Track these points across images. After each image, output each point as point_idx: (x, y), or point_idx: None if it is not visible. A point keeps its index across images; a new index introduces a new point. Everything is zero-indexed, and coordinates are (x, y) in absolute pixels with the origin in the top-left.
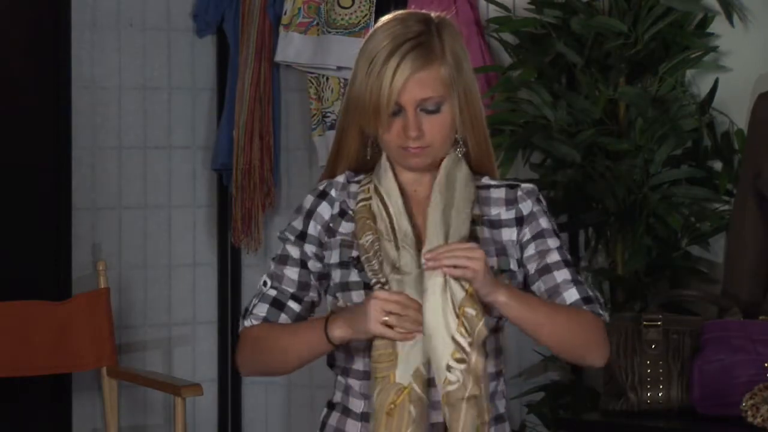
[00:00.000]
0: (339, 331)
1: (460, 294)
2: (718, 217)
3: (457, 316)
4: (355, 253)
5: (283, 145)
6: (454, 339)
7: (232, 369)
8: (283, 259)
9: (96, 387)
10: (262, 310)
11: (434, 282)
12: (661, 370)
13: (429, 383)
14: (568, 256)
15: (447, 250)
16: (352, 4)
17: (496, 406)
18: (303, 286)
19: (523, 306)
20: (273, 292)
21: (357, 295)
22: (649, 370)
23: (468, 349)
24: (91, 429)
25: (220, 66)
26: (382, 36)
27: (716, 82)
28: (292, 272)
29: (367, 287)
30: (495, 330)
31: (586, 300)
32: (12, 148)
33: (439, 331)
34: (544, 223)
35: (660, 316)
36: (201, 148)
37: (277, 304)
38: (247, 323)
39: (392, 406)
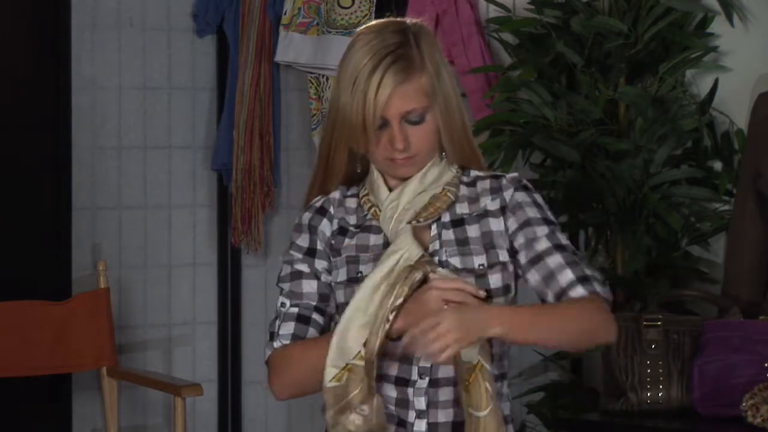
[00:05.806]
0: (397, 323)
1: None
2: (718, 217)
3: None
4: (362, 268)
5: (283, 145)
6: None
7: (232, 369)
8: (296, 276)
9: (96, 387)
10: (288, 328)
11: None
12: (661, 370)
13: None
14: (562, 241)
15: (419, 340)
16: (352, 4)
17: (501, 408)
18: (323, 297)
19: (522, 329)
20: (295, 310)
21: None
22: (649, 370)
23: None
24: (91, 429)
25: (220, 66)
26: (361, 52)
27: (716, 82)
28: (309, 286)
29: None
30: None
31: (581, 279)
32: (12, 148)
33: None
34: (530, 212)
35: (660, 316)
36: (201, 148)
37: (303, 320)
38: (276, 344)
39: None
